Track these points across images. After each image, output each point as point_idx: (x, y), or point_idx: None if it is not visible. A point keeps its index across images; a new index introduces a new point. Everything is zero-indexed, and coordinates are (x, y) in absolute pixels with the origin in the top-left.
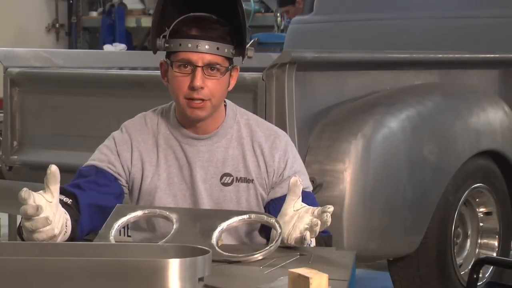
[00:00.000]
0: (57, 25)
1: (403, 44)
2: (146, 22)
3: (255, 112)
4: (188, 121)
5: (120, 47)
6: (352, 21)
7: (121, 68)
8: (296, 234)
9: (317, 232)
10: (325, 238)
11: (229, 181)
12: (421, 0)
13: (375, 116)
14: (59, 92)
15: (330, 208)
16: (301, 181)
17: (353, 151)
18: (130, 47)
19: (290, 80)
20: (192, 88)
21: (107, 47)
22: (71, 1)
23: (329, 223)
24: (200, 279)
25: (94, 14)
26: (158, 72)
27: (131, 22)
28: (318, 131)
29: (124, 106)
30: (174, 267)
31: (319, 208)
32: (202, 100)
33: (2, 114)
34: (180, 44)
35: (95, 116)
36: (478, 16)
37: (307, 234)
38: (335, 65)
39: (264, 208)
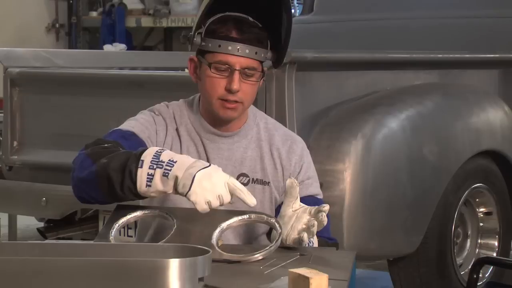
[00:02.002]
0: (57, 25)
1: (403, 44)
2: (146, 22)
3: None
4: (213, 118)
5: (120, 47)
6: (352, 21)
7: (121, 68)
8: (294, 235)
9: (315, 233)
10: (330, 245)
11: (245, 182)
12: (421, 0)
13: (375, 116)
14: (59, 92)
15: (326, 207)
16: (297, 183)
17: (353, 151)
18: (130, 47)
19: (290, 80)
20: (229, 90)
21: (107, 47)
22: (71, 1)
23: (325, 223)
24: (200, 279)
25: (94, 14)
26: (158, 72)
27: (131, 22)
28: (318, 131)
29: (124, 106)
30: (174, 267)
31: (315, 207)
32: (236, 102)
33: (2, 114)
34: (219, 46)
35: (95, 116)
36: (478, 16)
37: (305, 235)
38: (335, 65)
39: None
